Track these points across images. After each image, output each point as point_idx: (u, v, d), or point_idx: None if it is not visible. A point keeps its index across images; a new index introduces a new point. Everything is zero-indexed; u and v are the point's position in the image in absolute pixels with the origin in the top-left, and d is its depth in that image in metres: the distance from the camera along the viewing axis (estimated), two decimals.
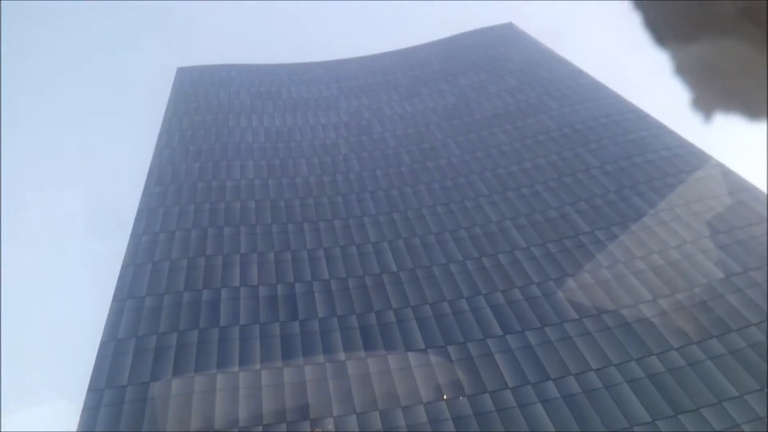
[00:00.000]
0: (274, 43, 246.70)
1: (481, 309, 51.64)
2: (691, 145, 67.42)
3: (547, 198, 64.49)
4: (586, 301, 50.97)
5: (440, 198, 67.19)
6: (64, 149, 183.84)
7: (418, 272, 56.25)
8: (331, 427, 41.77)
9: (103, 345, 47.35)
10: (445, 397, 43.85)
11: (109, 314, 50.34)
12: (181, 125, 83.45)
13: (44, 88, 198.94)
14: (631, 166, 66.04)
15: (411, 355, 47.39)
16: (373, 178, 71.89)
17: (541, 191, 65.76)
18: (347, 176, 72.32)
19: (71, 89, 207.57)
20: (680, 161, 65.09)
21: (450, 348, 47.96)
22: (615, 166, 66.54)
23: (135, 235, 60.06)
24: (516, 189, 66.87)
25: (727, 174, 61.64)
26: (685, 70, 2.47)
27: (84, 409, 41.98)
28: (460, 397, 43.74)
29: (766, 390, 41.09)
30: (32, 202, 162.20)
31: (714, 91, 2.45)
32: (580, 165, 68.42)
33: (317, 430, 41.68)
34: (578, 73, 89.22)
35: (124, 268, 55.60)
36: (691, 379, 42.84)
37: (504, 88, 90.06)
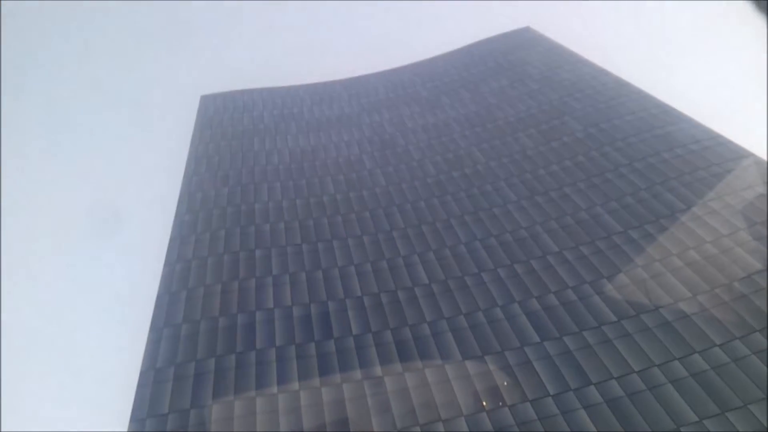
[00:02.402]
0: (291, 65, 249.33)
1: (517, 316, 51.11)
2: (720, 137, 66.15)
3: (577, 200, 63.77)
4: (624, 302, 50.13)
5: (468, 207, 66.89)
6: (90, 181, 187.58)
7: (451, 283, 55.96)
8: None
9: (143, 374, 47.95)
10: (484, 404, 43.41)
11: (147, 343, 51.02)
12: (207, 151, 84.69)
13: (68, 123, 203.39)
14: (661, 162, 65.02)
15: (448, 367, 47.05)
16: (399, 191, 71.93)
17: (570, 193, 65.06)
18: (373, 191, 72.48)
19: (97, 121, 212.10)
20: (710, 154, 63.88)
21: (487, 358, 47.51)
22: (644, 164, 65.58)
23: (168, 263, 60.89)
24: (544, 193, 66.27)
25: (760, 164, 60.28)
26: None
27: None
28: (500, 403, 43.28)
29: None
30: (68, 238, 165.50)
31: None
32: (608, 164, 67.59)
33: None
34: (600, 72, 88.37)
35: (159, 296, 56.36)
36: (737, 376, 41.73)
37: (525, 92, 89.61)
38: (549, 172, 69.47)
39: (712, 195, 58.27)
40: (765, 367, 41.57)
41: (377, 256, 60.89)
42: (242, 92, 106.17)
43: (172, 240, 64.93)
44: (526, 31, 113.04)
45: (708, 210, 56.72)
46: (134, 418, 44.18)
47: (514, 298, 53.11)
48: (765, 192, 56.33)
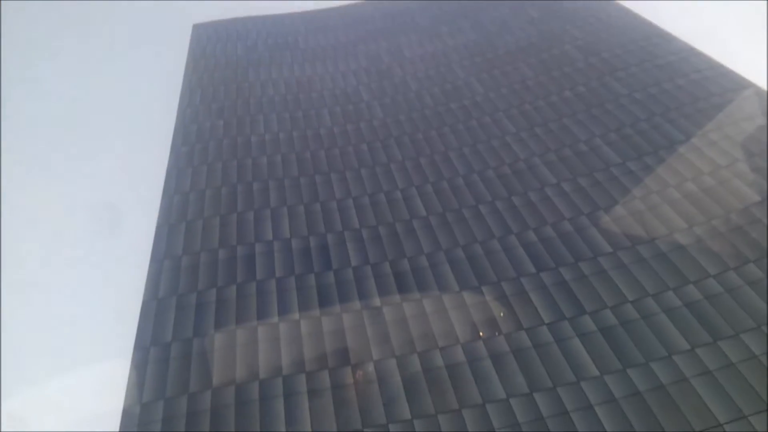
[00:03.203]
0: None
1: (514, 248, 51.54)
2: (721, 66, 65.24)
3: (576, 131, 63.34)
4: (620, 233, 50.50)
5: (466, 139, 66.45)
6: (84, 119, 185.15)
7: (448, 215, 56.17)
8: (371, 369, 42.69)
9: (146, 304, 48.62)
10: (481, 333, 44.31)
11: (148, 274, 51.50)
12: (201, 83, 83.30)
13: (55, 57, 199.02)
14: (661, 92, 64.28)
15: (446, 298, 47.76)
16: (397, 123, 71.25)
17: (570, 125, 64.56)
18: (371, 123, 71.79)
19: (89, 51, 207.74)
20: (711, 84, 63.12)
21: (484, 288, 48.19)
22: (644, 94, 64.84)
23: (166, 196, 60.83)
24: (543, 124, 65.74)
25: (760, 94, 59.69)
26: None
27: (132, 366, 43.48)
28: (496, 333, 44.18)
29: None
30: (59, 180, 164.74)
31: None
32: (608, 95, 66.83)
33: (359, 372, 42.66)
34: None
35: (158, 228, 56.53)
36: (729, 306, 42.48)
37: (526, 20, 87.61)
38: (548, 103, 68.73)
39: (712, 126, 57.88)
40: (757, 298, 42.31)
41: (375, 188, 60.85)
42: (235, 21, 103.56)
43: (168, 172, 64.62)
44: None
45: (707, 141, 56.45)
46: (138, 346, 45.05)
47: (511, 230, 53.43)
48: (765, 123, 55.97)
